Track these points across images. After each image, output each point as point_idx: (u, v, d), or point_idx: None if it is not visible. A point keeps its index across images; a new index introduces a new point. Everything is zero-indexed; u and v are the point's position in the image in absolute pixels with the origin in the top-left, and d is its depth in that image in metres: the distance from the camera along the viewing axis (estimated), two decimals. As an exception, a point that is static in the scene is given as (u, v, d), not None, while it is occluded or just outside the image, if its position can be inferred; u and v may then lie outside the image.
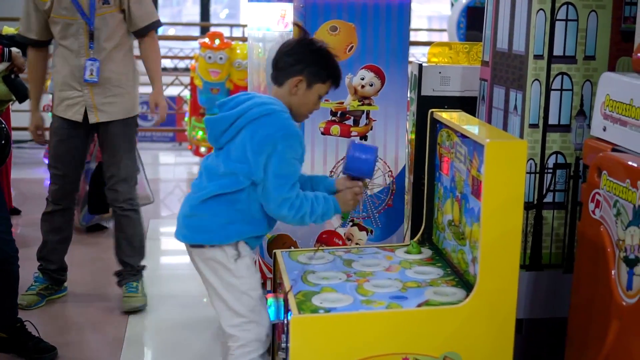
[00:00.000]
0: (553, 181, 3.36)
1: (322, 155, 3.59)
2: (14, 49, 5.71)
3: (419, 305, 2.68)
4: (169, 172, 8.68)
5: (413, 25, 15.38)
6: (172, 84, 10.21)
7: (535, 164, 3.34)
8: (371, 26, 3.52)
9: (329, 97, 3.51)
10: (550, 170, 3.35)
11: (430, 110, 3.20)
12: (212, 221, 2.89)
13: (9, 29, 6.12)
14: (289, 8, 3.52)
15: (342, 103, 3.57)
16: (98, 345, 4.21)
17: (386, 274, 2.97)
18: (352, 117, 3.59)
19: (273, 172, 2.81)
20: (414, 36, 14.99)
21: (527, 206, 3.36)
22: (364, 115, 3.59)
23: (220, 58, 7.67)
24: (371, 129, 3.61)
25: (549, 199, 3.37)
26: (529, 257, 3.39)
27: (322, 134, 3.59)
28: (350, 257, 3.15)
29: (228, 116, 2.90)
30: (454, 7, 7.96)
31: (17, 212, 6.37)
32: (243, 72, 7.56)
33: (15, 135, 8.71)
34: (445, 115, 3.08)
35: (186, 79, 9.72)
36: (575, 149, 3.34)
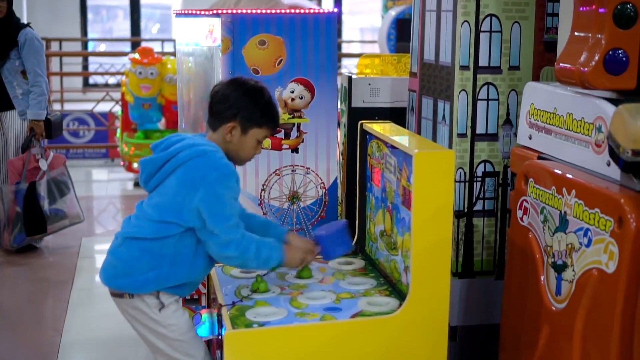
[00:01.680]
0: (482, 189, 3.41)
1: (254, 169, 3.59)
2: None
3: (353, 316, 2.69)
4: (101, 189, 8.58)
5: (345, 37, 15.55)
6: (103, 99, 10.11)
7: (465, 173, 3.38)
8: (299, 39, 3.53)
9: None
10: (480, 179, 3.40)
11: (360, 122, 3.22)
12: (132, 265, 2.79)
13: None
14: (216, 23, 3.51)
15: (273, 116, 3.56)
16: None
17: (320, 286, 2.97)
18: (282, 130, 3.60)
19: (215, 215, 2.71)
20: (346, 48, 15.10)
21: (458, 214, 3.41)
22: (295, 128, 3.61)
23: (151, 73, 7.64)
24: (302, 142, 3.62)
25: (479, 207, 3.42)
26: (461, 265, 3.43)
27: (254, 147, 3.58)
28: (283, 270, 3.15)
29: (157, 159, 2.81)
30: (384, 19, 8.05)
31: None
32: (174, 87, 7.52)
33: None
34: (375, 127, 3.10)
35: (117, 95, 9.63)
36: (503, 157, 3.39)
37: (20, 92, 5.59)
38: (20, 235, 5.65)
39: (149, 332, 2.86)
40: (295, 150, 3.63)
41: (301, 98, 3.59)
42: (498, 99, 3.36)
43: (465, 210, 3.41)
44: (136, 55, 7.71)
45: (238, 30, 3.49)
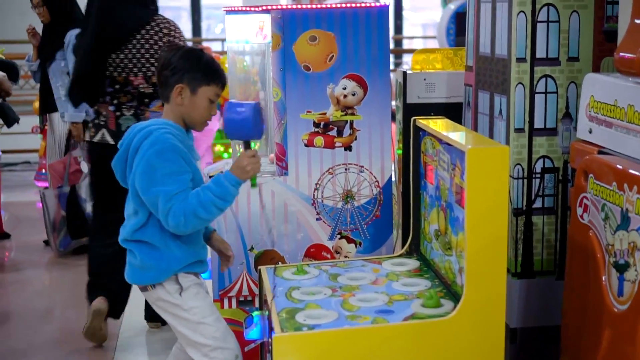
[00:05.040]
0: (542, 186, 3.29)
1: (307, 168, 3.52)
2: (1, 73, 5.67)
3: (405, 319, 2.61)
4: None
5: (407, 33, 15.41)
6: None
7: (523, 169, 3.27)
8: (351, 35, 3.45)
9: (312, 108, 3.47)
10: (539, 175, 3.28)
11: (413, 118, 3.13)
12: (143, 260, 2.87)
13: None
14: (267, 19, 3.45)
15: (325, 114, 3.50)
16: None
17: (372, 288, 2.89)
18: (335, 128, 3.52)
19: (151, 185, 2.76)
20: (408, 44, 14.96)
21: (517, 212, 3.29)
22: (348, 126, 3.53)
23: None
24: (355, 139, 3.54)
25: (538, 204, 3.30)
26: (520, 265, 3.32)
27: (306, 145, 3.52)
28: (336, 271, 3.08)
29: (121, 154, 2.89)
30: (443, 14, 7.91)
31: (6, 236, 6.29)
32: (244, 86, 7.48)
33: (5, 158, 8.70)
34: (428, 123, 3.01)
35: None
36: (563, 152, 3.27)
37: (63, 93, 5.59)
38: (66, 238, 5.68)
39: (174, 319, 2.92)
40: (348, 148, 3.55)
41: (354, 95, 3.51)
42: (557, 92, 3.24)
43: (524, 208, 3.29)
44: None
45: (288, 26, 3.42)
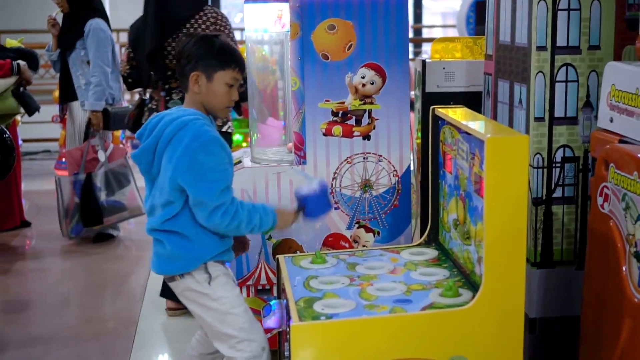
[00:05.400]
0: (562, 175, 3.26)
1: (325, 157, 3.51)
2: (22, 62, 5.69)
3: (424, 309, 2.60)
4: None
5: (427, 21, 15.33)
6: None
7: (543, 159, 3.24)
8: (369, 23, 3.44)
9: (330, 97, 3.46)
10: (559, 165, 3.26)
11: (432, 107, 3.11)
12: (173, 250, 2.84)
13: (12, 42, 6.10)
14: (285, 8, 3.44)
15: (343, 103, 3.49)
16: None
17: (390, 277, 2.88)
18: (353, 117, 3.51)
19: (199, 181, 2.74)
20: (428, 33, 14.88)
21: (536, 202, 3.27)
22: (366, 115, 3.51)
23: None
24: (374, 128, 3.52)
25: (558, 193, 3.28)
26: (539, 255, 3.30)
27: (324, 135, 3.51)
28: (354, 260, 3.08)
29: (148, 146, 2.85)
30: (463, 2, 7.86)
31: (27, 224, 6.33)
32: (264, 74, 7.48)
33: (26, 147, 8.75)
34: (447, 112, 2.99)
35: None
36: (583, 141, 3.24)
37: (83, 82, 5.61)
38: (77, 225, 5.69)
39: (202, 309, 2.89)
40: (366, 137, 3.53)
41: (372, 84, 3.49)
42: (577, 81, 3.21)
43: (544, 197, 3.27)
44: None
45: (307, 14, 3.41)
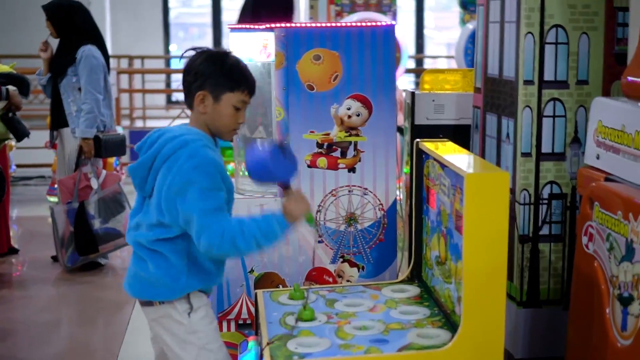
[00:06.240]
0: (549, 212, 3.20)
1: (309, 189, 3.44)
2: (11, 87, 5.64)
3: (400, 350, 2.51)
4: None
5: (431, 52, 15.33)
6: (178, 117, 10.16)
7: (530, 195, 3.18)
8: (356, 54, 3.38)
9: (315, 128, 3.40)
10: (546, 201, 3.19)
11: (416, 140, 3.05)
12: (157, 275, 2.68)
13: (3, 67, 6.05)
14: (271, 37, 3.39)
15: (329, 134, 3.43)
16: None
17: (369, 315, 2.80)
18: (339, 149, 3.45)
19: (187, 201, 2.57)
20: (432, 63, 14.88)
21: (523, 239, 3.20)
22: (352, 147, 3.45)
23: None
24: (359, 161, 3.46)
25: (545, 231, 3.21)
26: (526, 293, 3.23)
27: (309, 166, 3.44)
28: (333, 296, 2.99)
29: (145, 160, 2.69)
30: (461, 33, 7.82)
31: (15, 251, 6.25)
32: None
33: (20, 172, 8.70)
34: (430, 145, 2.93)
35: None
36: (571, 178, 3.18)
37: (75, 109, 5.55)
38: (73, 254, 5.61)
39: (175, 341, 2.73)
40: (352, 170, 3.47)
41: (358, 115, 3.43)
42: (565, 116, 3.15)
43: (531, 234, 3.20)
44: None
45: (292, 44, 3.36)
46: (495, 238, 2.46)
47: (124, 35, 13.38)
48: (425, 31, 15.16)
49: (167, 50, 14.11)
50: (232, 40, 3.64)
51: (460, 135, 3.70)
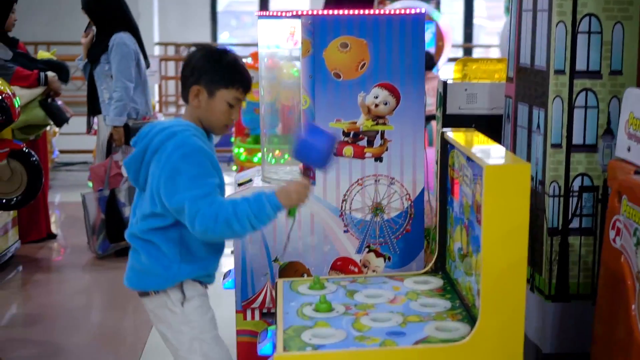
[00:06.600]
0: (579, 205, 3.11)
1: (335, 178, 3.40)
2: (50, 73, 5.68)
3: (416, 343, 2.46)
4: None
5: (484, 41, 15.16)
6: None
7: (559, 187, 3.10)
8: (384, 42, 3.32)
9: (341, 116, 3.35)
10: (576, 194, 3.10)
11: (441, 130, 2.99)
12: (149, 264, 2.71)
13: (44, 54, 6.10)
14: (297, 25, 3.34)
15: (355, 123, 3.37)
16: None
17: (388, 307, 2.75)
18: (365, 138, 3.39)
19: (177, 190, 2.58)
20: (485, 52, 14.71)
21: (552, 232, 3.12)
22: (379, 136, 3.39)
23: (263, 77, 7.53)
24: (386, 150, 3.40)
25: (575, 224, 3.12)
26: (554, 287, 3.15)
27: (335, 155, 3.39)
28: (354, 287, 2.95)
29: (137, 154, 2.72)
30: (506, 21, 7.69)
31: (53, 236, 6.31)
32: (289, 92, 7.40)
33: (63, 158, 8.79)
34: (455, 135, 2.86)
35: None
36: (603, 170, 3.09)
37: (107, 96, 5.58)
38: (104, 242, 5.64)
39: (170, 331, 2.76)
40: (378, 159, 3.41)
41: (385, 104, 3.37)
42: (597, 107, 3.06)
43: (560, 227, 3.12)
44: (249, 60, 7.62)
45: (319, 32, 3.31)
46: (515, 231, 2.40)
47: (171, 23, 13.43)
48: (476, 20, 14.99)
49: (214, 38, 14.13)
50: (260, 27, 3.61)
51: (492, 125, 3.63)
